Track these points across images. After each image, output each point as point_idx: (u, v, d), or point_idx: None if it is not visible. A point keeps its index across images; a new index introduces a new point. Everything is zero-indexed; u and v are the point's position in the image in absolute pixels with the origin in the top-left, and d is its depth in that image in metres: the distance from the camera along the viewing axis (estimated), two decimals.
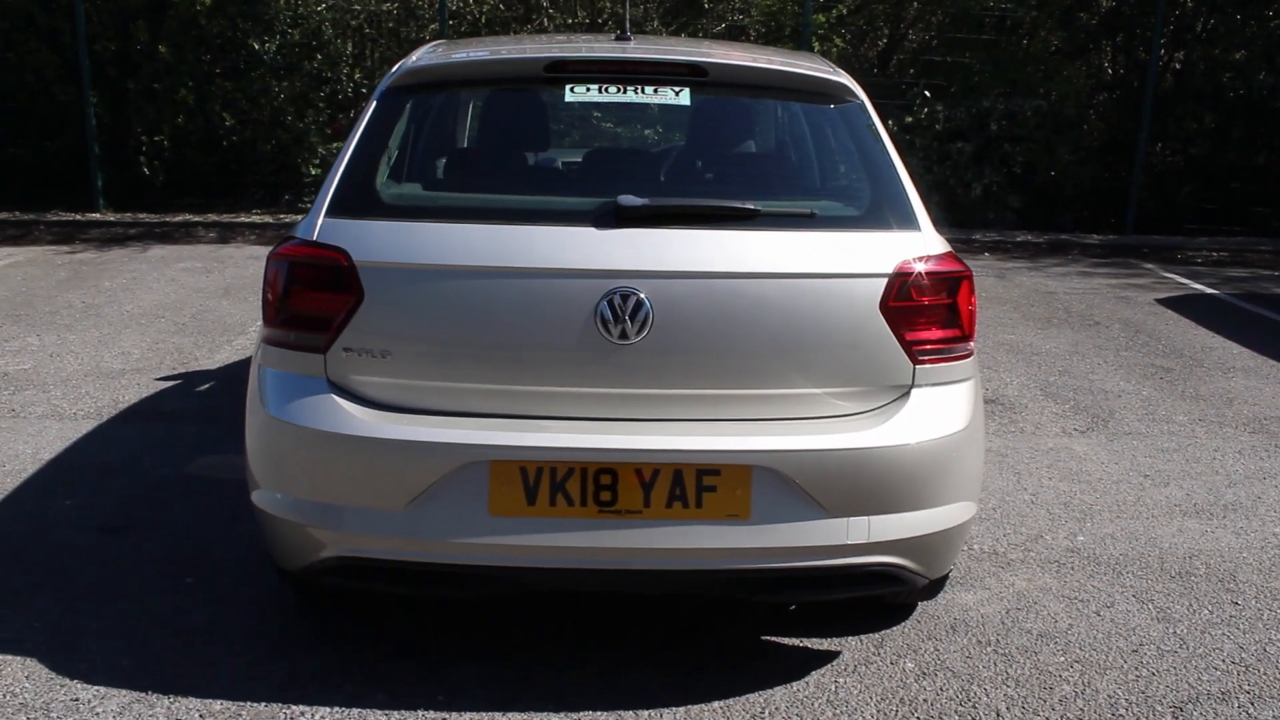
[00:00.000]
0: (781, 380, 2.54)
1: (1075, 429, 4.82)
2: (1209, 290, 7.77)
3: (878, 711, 2.69)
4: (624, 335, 2.45)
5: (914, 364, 2.60)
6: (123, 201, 9.46)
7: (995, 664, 2.93)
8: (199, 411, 4.76)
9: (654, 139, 2.81)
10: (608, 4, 10.50)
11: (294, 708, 2.64)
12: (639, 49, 2.89)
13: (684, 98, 2.73)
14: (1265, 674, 2.92)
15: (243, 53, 9.43)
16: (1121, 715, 2.71)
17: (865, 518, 2.54)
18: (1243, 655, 3.01)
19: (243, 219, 9.37)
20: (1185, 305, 7.26)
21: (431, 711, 2.62)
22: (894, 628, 3.09)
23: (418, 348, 2.50)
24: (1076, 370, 5.72)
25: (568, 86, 2.71)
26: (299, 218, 9.50)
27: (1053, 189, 9.66)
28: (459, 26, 10.11)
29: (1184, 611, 3.25)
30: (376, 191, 2.62)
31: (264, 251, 8.55)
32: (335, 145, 10.00)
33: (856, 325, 2.55)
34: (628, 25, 3.01)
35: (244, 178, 9.76)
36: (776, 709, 2.69)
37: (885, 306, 2.55)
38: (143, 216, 9.29)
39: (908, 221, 2.65)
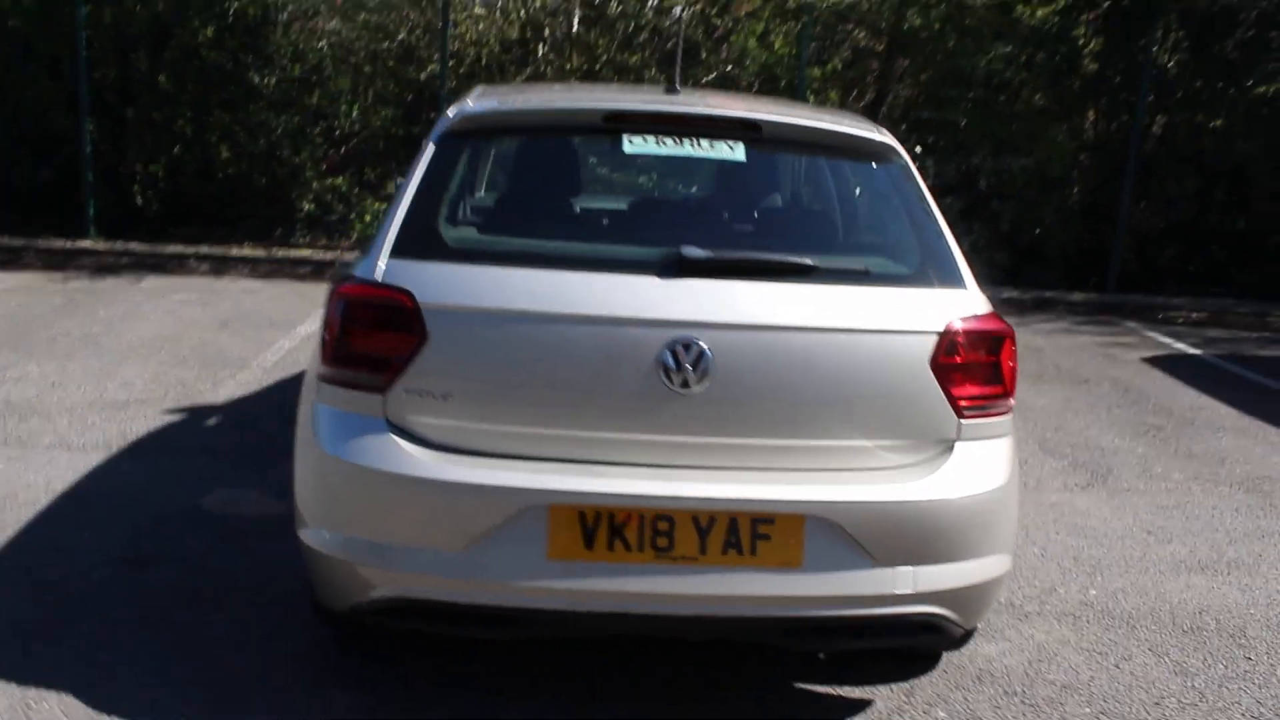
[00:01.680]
0: (833, 431, 2.60)
1: (1076, 484, 4.91)
2: (1192, 350, 7.95)
3: None
4: (685, 384, 2.50)
5: (959, 419, 2.67)
6: (113, 230, 9.41)
7: (1023, 715, 2.98)
8: (207, 446, 4.74)
9: (702, 191, 2.88)
10: (603, 53, 10.66)
11: None
12: (692, 102, 2.97)
13: (739, 152, 2.82)
14: None
15: (242, 85, 9.46)
16: None
17: (911, 568, 2.60)
18: (1261, 710, 3.09)
19: (234, 252, 9.35)
20: (1171, 365, 7.43)
21: None
22: (921, 677, 3.13)
23: (480, 390, 2.54)
24: (1071, 427, 5.83)
25: (625, 137, 2.78)
26: (292, 252, 9.61)
27: (1038, 247, 9.86)
28: (458, 69, 10.22)
29: (1199, 665, 3.32)
30: (440, 234, 2.66)
31: (257, 285, 8.57)
32: (330, 181, 10.03)
33: (907, 380, 2.62)
34: (677, 80, 3.09)
35: (237, 210, 9.74)
36: None
37: (935, 363, 2.62)
38: (134, 246, 9.23)
39: (955, 280, 2.74)
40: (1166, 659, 3.35)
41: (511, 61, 10.52)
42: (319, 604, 2.85)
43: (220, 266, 9.06)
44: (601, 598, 2.51)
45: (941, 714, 2.96)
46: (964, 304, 2.70)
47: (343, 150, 10.50)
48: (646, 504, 2.49)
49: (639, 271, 2.57)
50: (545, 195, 2.87)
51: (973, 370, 2.67)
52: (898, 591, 2.60)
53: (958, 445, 2.69)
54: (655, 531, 2.50)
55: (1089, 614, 3.62)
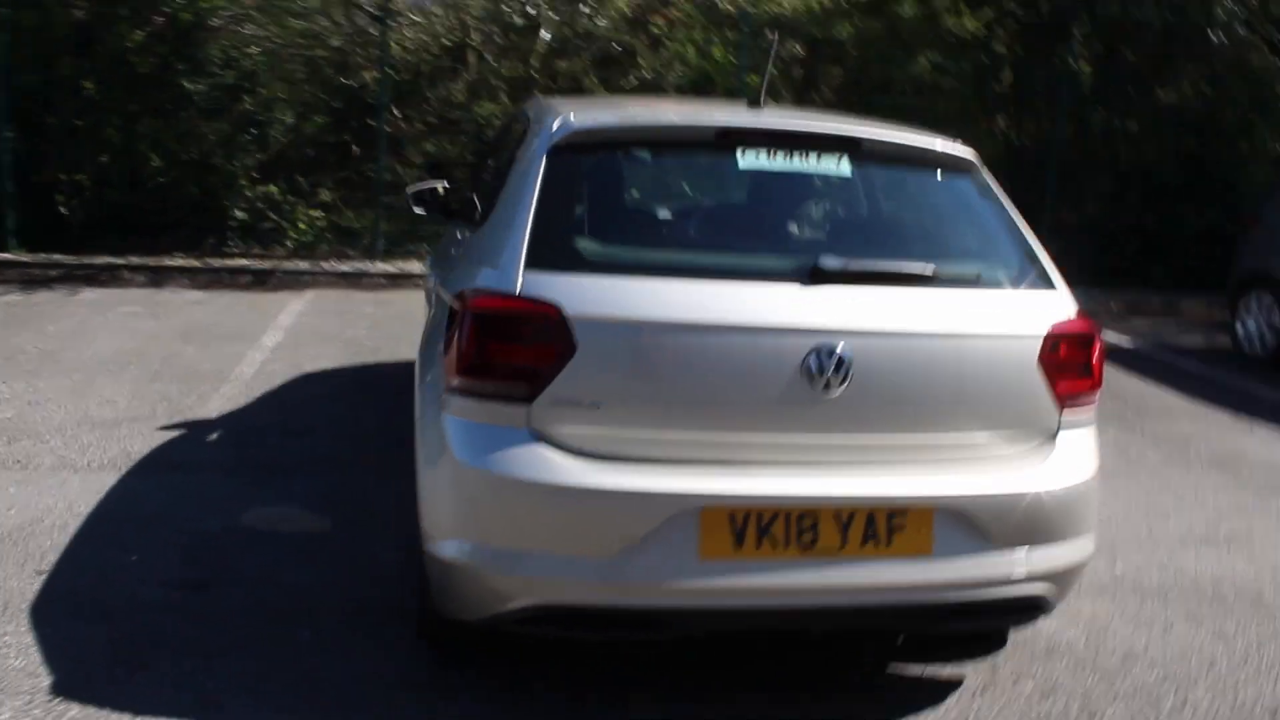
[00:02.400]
0: (954, 426, 2.75)
1: None
2: (1121, 340, 8.44)
3: None
4: (827, 387, 2.61)
5: (1060, 412, 2.85)
6: (34, 241, 8.99)
7: (1100, 682, 3.18)
8: (219, 463, 4.62)
9: (807, 203, 2.98)
10: (538, 61, 10.66)
11: None
12: (791, 119, 3.09)
13: (844, 167, 2.95)
14: None
15: (173, 92, 9.15)
16: (1250, 707, 3.01)
17: (1025, 551, 2.76)
18: None
19: (169, 262, 9.04)
20: (1109, 354, 7.87)
21: None
22: (996, 654, 3.31)
23: (628, 399, 2.58)
24: None
25: (739, 152, 2.88)
26: (229, 262, 9.35)
27: None
28: (407, 75, 10.12)
29: (1234, 630, 3.59)
30: (573, 246, 2.69)
31: (202, 296, 8.33)
32: (263, 189, 9.78)
33: (1017, 377, 2.79)
34: (763, 96, 3.19)
35: (166, 220, 9.41)
36: None
37: (1041, 361, 2.80)
38: (59, 257, 8.83)
39: (1049, 283, 2.92)
40: (1203, 626, 3.61)
41: (450, 68, 10.44)
42: (439, 616, 2.86)
43: (157, 277, 8.75)
44: (750, 594, 2.60)
45: (1029, 686, 3.14)
46: (1061, 306, 2.88)
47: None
48: (792, 503, 2.59)
49: (778, 280, 2.67)
50: (665, 207, 2.94)
51: (1071, 367, 2.85)
52: (1014, 573, 2.76)
53: (1059, 435, 2.88)
54: (800, 528, 2.60)
55: (1122, 589, 3.87)
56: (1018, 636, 3.42)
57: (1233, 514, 4.72)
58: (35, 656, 2.97)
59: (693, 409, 2.60)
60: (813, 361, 2.59)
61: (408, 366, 6.48)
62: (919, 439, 2.72)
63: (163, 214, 9.43)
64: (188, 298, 8.25)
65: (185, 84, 9.17)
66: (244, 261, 9.40)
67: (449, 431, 2.66)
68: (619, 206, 2.88)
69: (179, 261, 9.16)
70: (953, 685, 3.13)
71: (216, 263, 9.21)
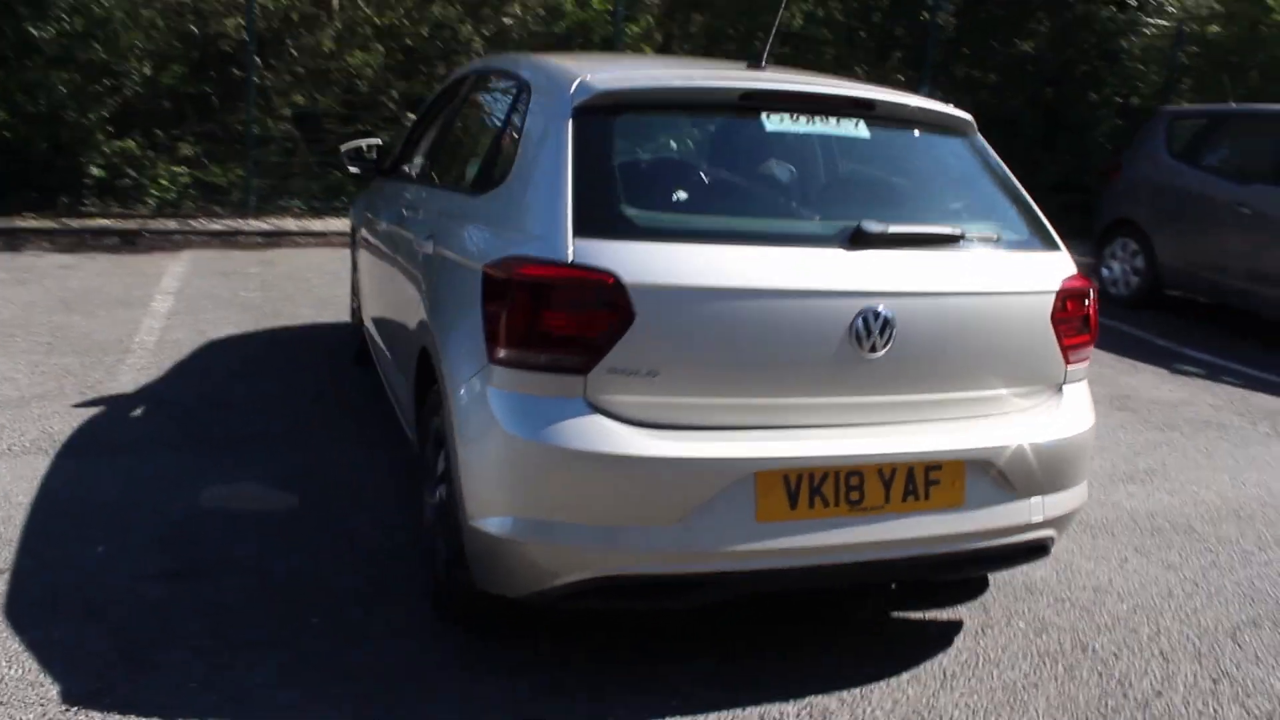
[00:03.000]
0: (980, 382, 2.86)
1: None
2: None
3: (1031, 666, 3.08)
4: (873, 349, 2.67)
5: (1066, 365, 3.01)
6: None
7: (1081, 616, 3.40)
8: (157, 440, 4.36)
9: (828, 165, 3.01)
10: (405, 6, 10.28)
11: None
12: (807, 80, 3.11)
13: (862, 129, 2.99)
14: (1272, 603, 3.59)
15: (16, 39, 8.39)
16: (1198, 645, 3.26)
17: (1041, 498, 2.92)
18: (1242, 589, 3.68)
19: (20, 224, 8.37)
20: None
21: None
22: (982, 597, 3.49)
23: (684, 366, 2.57)
24: None
25: (763, 115, 2.88)
26: (90, 222, 8.73)
27: None
28: (271, 22, 9.57)
29: (1179, 560, 3.90)
30: (619, 213, 2.64)
31: (72, 260, 7.78)
32: (120, 144, 9.14)
33: (1034, 333, 2.92)
34: (765, 56, 3.20)
35: (13, 178, 8.67)
36: (953, 673, 3.01)
37: (1054, 317, 2.94)
38: None
39: (1053, 243, 3.06)
40: (1152, 558, 3.90)
41: (316, 15, 9.95)
42: (469, 593, 2.82)
43: (13, 241, 8.10)
44: (804, 553, 2.65)
45: (1022, 624, 3.33)
46: (1065, 264, 3.02)
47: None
48: (841, 462, 2.65)
49: (823, 244, 2.70)
50: (698, 171, 2.91)
51: (1075, 322, 3.00)
52: (1032, 519, 2.91)
53: (1065, 388, 3.04)
54: (848, 486, 2.67)
55: (1074, 527, 4.12)
56: (997, 579, 3.61)
57: (1145, 451, 5.08)
58: (30, 664, 2.76)
59: (746, 374, 2.62)
60: (860, 324, 2.65)
61: (315, 329, 6.33)
62: (950, 395, 2.82)
63: (9, 172, 8.70)
64: (54, 261, 7.67)
65: (31, 30, 8.42)
66: (106, 222, 8.81)
67: (496, 405, 2.59)
68: (656, 171, 2.84)
69: (33, 223, 8.51)
70: (954, 627, 3.28)
71: (76, 224, 8.60)
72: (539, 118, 2.94)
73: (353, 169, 4.87)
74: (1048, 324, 2.93)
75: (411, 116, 9.99)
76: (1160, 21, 11.53)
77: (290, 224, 9.51)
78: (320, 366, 5.56)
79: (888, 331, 2.67)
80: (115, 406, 4.73)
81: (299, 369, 5.48)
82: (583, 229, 2.58)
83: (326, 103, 10.08)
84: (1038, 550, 3.05)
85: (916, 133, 3.10)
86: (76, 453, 4.18)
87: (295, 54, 10.06)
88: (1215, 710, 2.93)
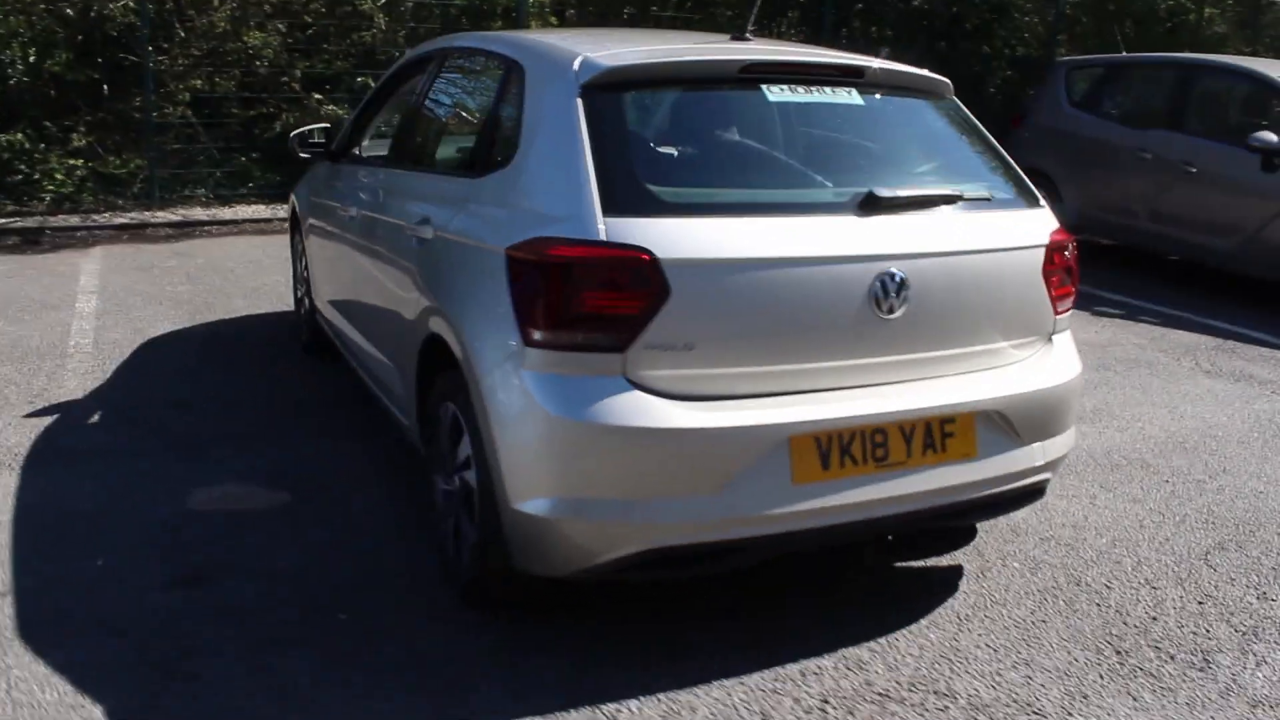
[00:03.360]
0: (984, 337, 2.99)
1: None
2: None
3: (1035, 603, 3.25)
4: (890, 310, 2.77)
5: (1055, 315, 3.16)
6: None
7: (1068, 553, 3.60)
8: (123, 446, 4.22)
9: (828, 133, 3.07)
10: None
11: (608, 706, 2.68)
12: (790, 50, 3.16)
13: (855, 97, 3.07)
14: (1231, 526, 3.85)
15: None
16: (1176, 570, 3.49)
17: (1042, 443, 3.08)
18: (1203, 516, 3.94)
19: None
20: None
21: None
22: (973, 543, 3.65)
23: (717, 338, 2.63)
24: None
25: (764, 87, 2.93)
26: None
27: None
28: (162, 2, 9.18)
29: (1141, 493, 4.14)
30: (644, 190, 2.66)
31: None
32: (6, 137, 8.68)
33: (1028, 286, 3.06)
34: (749, 26, 3.24)
35: None
36: (965, 615, 3.16)
37: (1044, 270, 3.08)
38: None
39: (1035, 200, 3.19)
40: (1119, 493, 4.13)
41: None
42: (505, 576, 2.85)
43: None
44: (838, 511, 2.75)
45: (1016, 565, 3.51)
46: (1048, 219, 3.17)
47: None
48: (866, 421, 2.75)
49: (840, 211, 2.78)
50: (710, 145, 2.94)
51: (1061, 274, 3.16)
52: (1035, 464, 3.07)
53: (1054, 338, 3.19)
54: (874, 444, 2.77)
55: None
56: (984, 524, 3.78)
57: (1087, 391, 5.32)
58: (64, 686, 2.68)
59: (775, 342, 2.69)
60: (878, 286, 2.74)
61: (253, 320, 6.18)
62: (957, 351, 2.94)
63: None
64: None
65: None
66: (2, 220, 8.37)
67: (534, 387, 2.60)
68: (670, 146, 2.85)
69: None
70: (956, 572, 3.44)
71: None
72: (540, 97, 2.94)
73: (303, 154, 4.76)
74: (1040, 277, 3.07)
75: (318, 97, 9.77)
76: None
77: (199, 213, 9.20)
78: (270, 358, 5.44)
79: (903, 293, 2.77)
80: (69, 414, 4.56)
81: (249, 362, 5.35)
82: (609, 207, 2.60)
83: (225, 85, 9.74)
84: (1036, 493, 3.22)
85: (901, 98, 3.20)
86: (42, 465, 4.02)
87: (185, 35, 9.67)
88: (1207, 629, 3.15)
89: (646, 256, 2.55)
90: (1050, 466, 3.15)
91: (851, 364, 2.78)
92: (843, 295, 2.72)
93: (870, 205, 2.79)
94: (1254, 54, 12.91)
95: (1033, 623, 3.15)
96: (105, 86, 9.63)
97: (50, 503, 3.69)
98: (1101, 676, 2.89)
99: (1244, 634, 3.13)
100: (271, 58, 9.74)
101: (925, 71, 3.24)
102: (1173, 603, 3.30)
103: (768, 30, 11.50)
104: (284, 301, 6.52)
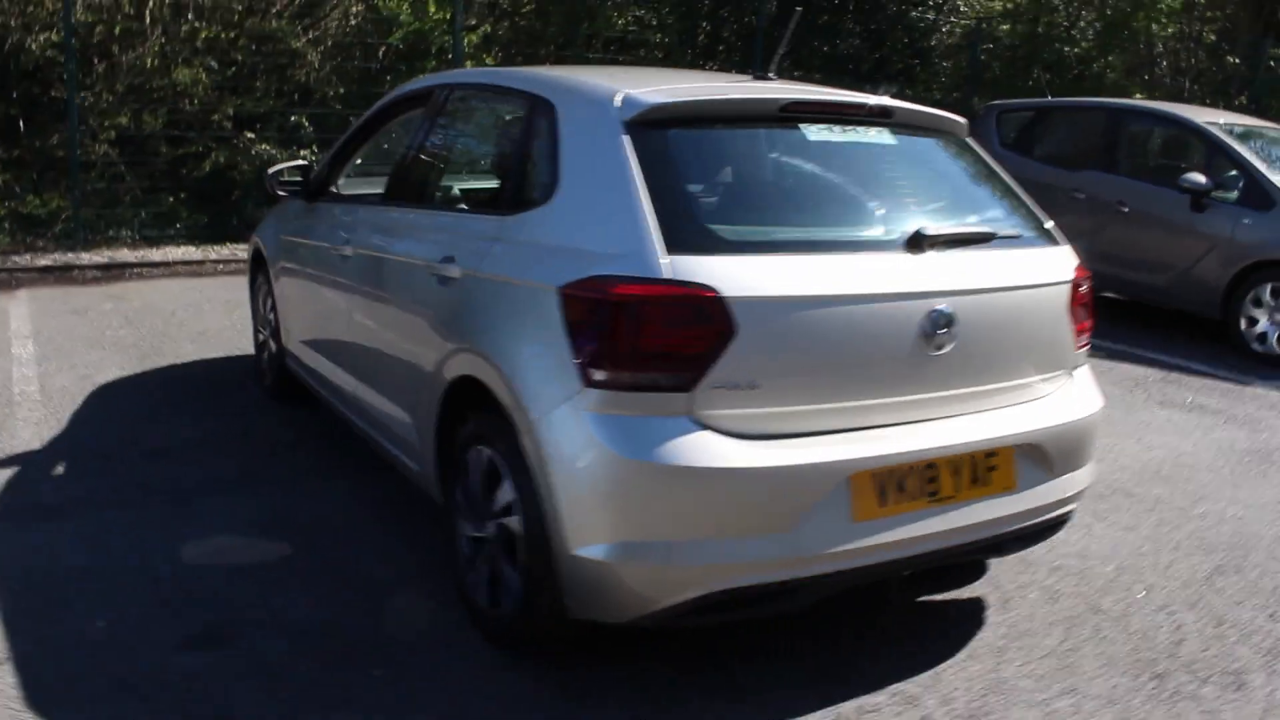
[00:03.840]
0: (1018, 372, 3.03)
1: None
2: None
3: (1063, 632, 3.29)
4: (939, 347, 2.79)
5: (1076, 349, 3.23)
6: None
7: (1080, 581, 3.66)
8: (94, 497, 3.98)
9: (858, 172, 3.09)
10: (226, 20, 9.74)
11: None
12: (809, 90, 3.19)
13: (886, 136, 3.11)
14: (1223, 550, 3.97)
15: None
16: (1185, 594, 3.58)
17: (1071, 474, 3.13)
18: (1194, 542, 4.05)
19: None
20: None
21: None
22: (986, 576, 3.69)
23: (781, 376, 2.61)
24: None
25: (801, 126, 2.95)
26: None
27: None
28: (86, 38, 8.87)
29: (1133, 522, 4.24)
30: (703, 227, 2.64)
31: None
32: None
33: (1056, 321, 3.12)
34: (773, 65, 3.26)
35: None
36: (1002, 647, 3.17)
37: (1070, 306, 3.16)
38: None
39: (1055, 237, 3.27)
40: (1111, 521, 4.23)
41: (135, 32, 9.30)
42: (567, 622, 2.77)
43: None
44: (893, 547, 2.74)
45: (1034, 595, 3.55)
46: (1069, 256, 3.24)
47: None
48: (918, 457, 2.76)
49: (889, 249, 2.81)
50: (762, 183, 2.92)
51: (1081, 310, 3.23)
52: (1065, 495, 3.12)
53: (1075, 372, 3.26)
54: (925, 479, 2.78)
55: None
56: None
57: None
58: None
59: (834, 379, 2.69)
60: (928, 323, 2.76)
61: (207, 365, 5.95)
62: (996, 385, 2.97)
63: None
64: None
65: None
66: None
67: (599, 429, 2.54)
68: (721, 184, 2.84)
69: None
70: (979, 605, 3.47)
71: None
72: (579, 133, 2.90)
73: (280, 193, 4.62)
74: (1065, 312, 3.14)
75: (250, 136, 9.53)
76: (961, 21, 12.40)
77: (127, 255, 8.85)
78: (236, 404, 5.23)
79: (951, 329, 2.80)
80: (32, 465, 4.30)
81: (214, 408, 5.13)
82: (671, 244, 2.57)
83: (152, 123, 9.44)
84: (1061, 524, 3.27)
85: (925, 137, 3.25)
86: (14, 520, 3.77)
87: (110, 71, 9.36)
88: (1231, 651, 3.23)
89: (712, 294, 2.52)
90: (1076, 498, 3.21)
91: (903, 400, 2.79)
92: (897, 332, 2.74)
93: (917, 243, 2.82)
94: (1151, 98, 13.61)
95: (1065, 651, 3.18)
96: (21, 123, 9.26)
97: (33, 561, 3.46)
98: (1145, 701, 2.94)
99: (1266, 655, 3.22)
100: (201, 95, 9.48)
101: (945, 113, 3.31)
102: (1191, 627, 3.37)
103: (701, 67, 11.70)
104: (236, 346, 6.30)
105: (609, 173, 2.73)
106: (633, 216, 2.62)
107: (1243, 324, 7.21)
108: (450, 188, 3.65)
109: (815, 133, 2.95)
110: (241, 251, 9.27)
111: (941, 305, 2.78)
